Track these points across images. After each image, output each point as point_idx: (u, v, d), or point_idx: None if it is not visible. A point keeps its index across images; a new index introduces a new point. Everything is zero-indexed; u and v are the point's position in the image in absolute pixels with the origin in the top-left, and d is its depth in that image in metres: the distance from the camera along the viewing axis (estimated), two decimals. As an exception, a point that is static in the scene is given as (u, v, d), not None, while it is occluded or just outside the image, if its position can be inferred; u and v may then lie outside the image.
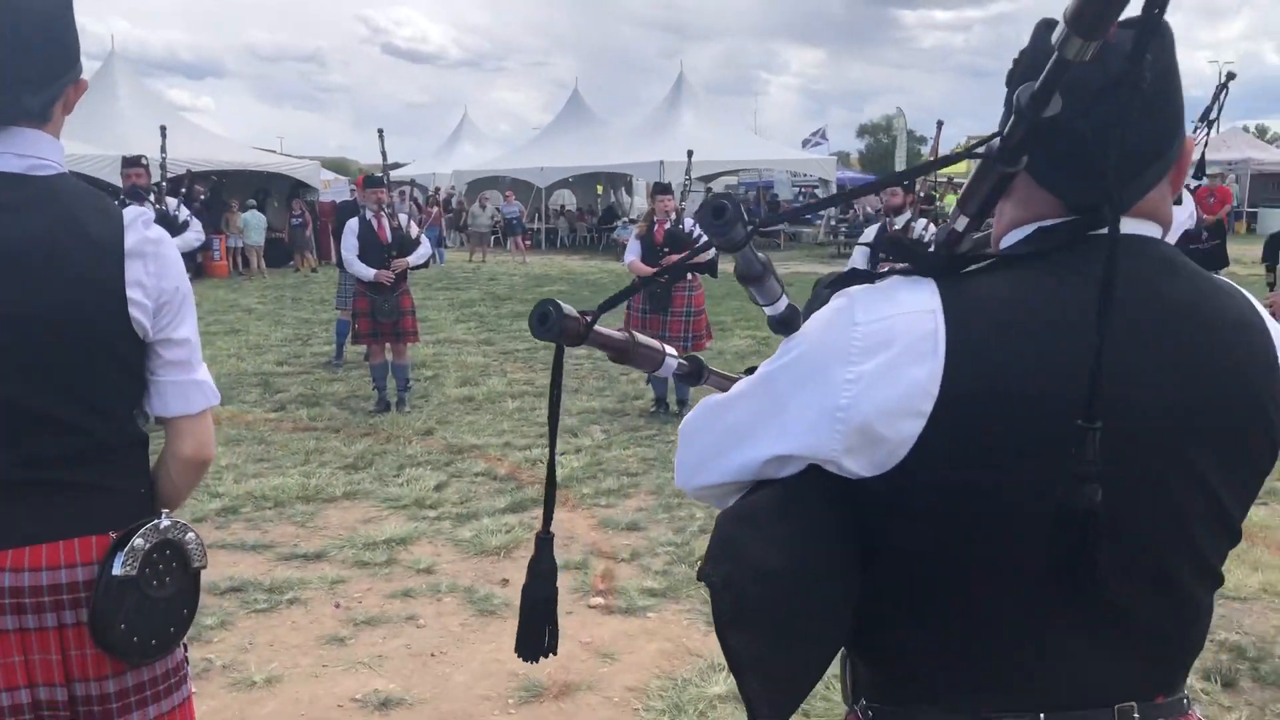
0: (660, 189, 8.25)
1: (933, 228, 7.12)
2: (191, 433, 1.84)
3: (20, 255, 1.63)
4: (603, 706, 3.60)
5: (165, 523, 1.77)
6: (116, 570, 1.69)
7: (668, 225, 7.90)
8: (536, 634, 1.30)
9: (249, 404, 8.60)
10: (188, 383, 1.81)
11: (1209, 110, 6.01)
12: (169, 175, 8.29)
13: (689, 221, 7.95)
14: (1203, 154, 5.91)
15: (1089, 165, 1.04)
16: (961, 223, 1.13)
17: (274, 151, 31.75)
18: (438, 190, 24.81)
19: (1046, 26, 1.09)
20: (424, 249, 8.24)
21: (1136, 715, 1.15)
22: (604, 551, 5.10)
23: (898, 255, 1.15)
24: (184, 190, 9.90)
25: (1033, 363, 1.04)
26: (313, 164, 25.19)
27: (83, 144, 17.09)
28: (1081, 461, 0.99)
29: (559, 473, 6.38)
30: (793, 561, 1.12)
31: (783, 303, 1.22)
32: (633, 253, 8.08)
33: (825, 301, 1.16)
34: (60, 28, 1.68)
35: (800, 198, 31.73)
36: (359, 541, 5.19)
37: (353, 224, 7.97)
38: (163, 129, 8.23)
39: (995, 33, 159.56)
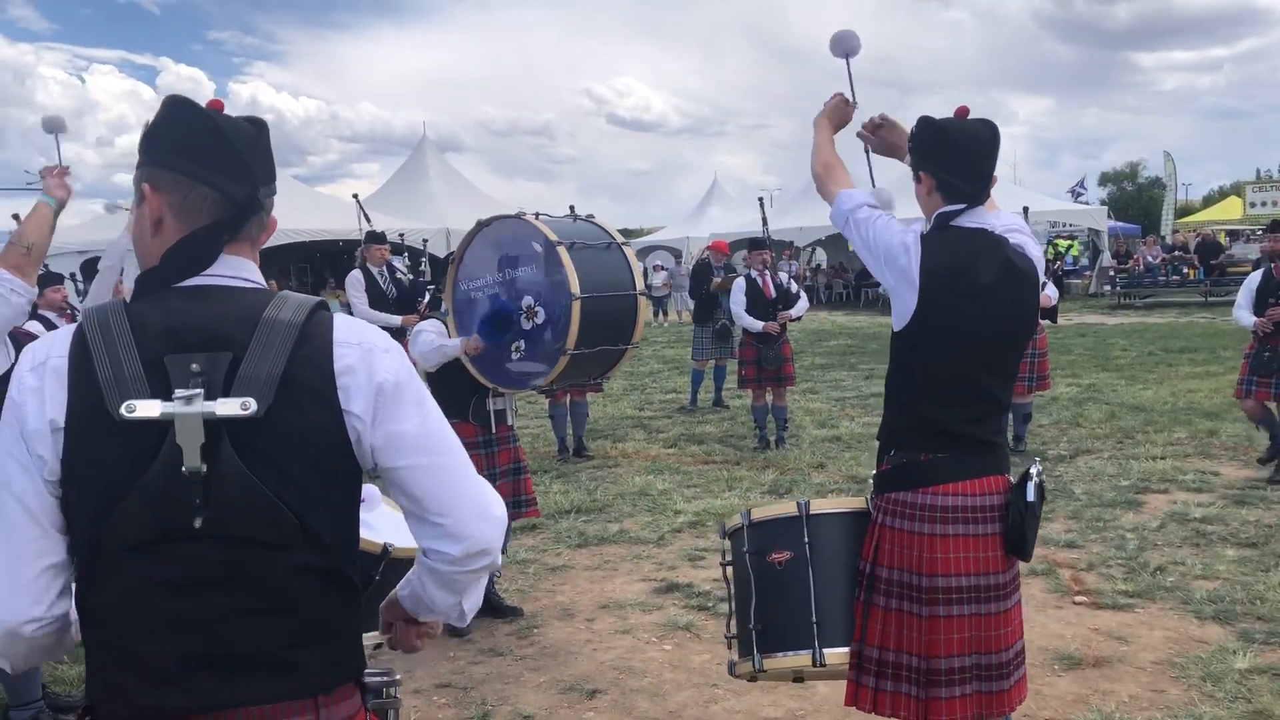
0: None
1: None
2: None
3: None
4: (1140, 674, 4.25)
5: (1040, 466, 2.63)
6: (1030, 498, 2.55)
7: None
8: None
9: (642, 441, 9.77)
10: None
11: None
12: None
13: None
14: None
15: None
16: None
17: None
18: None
19: None
20: (803, 302, 9.19)
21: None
22: (1059, 562, 5.74)
23: None
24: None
25: None
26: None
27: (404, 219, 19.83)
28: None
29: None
30: None
31: None
32: None
33: None
34: None
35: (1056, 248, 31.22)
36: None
37: (740, 283, 9.06)
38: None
39: (1245, 70, 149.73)
